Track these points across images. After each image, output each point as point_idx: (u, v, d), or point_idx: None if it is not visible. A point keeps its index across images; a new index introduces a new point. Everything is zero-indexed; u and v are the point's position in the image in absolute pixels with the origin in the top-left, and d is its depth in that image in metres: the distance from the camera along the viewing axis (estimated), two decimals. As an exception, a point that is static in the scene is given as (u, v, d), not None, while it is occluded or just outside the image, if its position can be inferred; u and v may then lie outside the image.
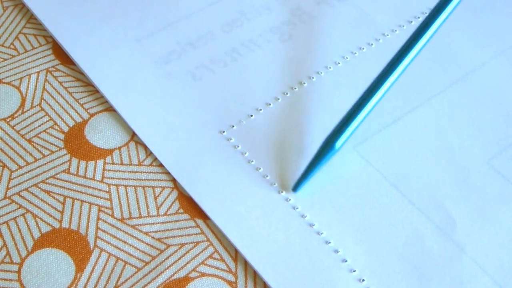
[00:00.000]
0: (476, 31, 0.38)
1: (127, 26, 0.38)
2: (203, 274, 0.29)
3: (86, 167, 0.32)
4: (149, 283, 0.29)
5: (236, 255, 0.30)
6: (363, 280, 0.29)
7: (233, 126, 0.34)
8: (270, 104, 0.34)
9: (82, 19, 0.38)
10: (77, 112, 0.35)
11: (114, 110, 0.34)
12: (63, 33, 0.37)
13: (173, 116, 0.34)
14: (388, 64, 0.32)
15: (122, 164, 0.33)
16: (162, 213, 0.31)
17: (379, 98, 0.31)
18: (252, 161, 0.32)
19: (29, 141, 0.33)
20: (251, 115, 0.34)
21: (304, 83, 0.35)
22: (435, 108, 0.34)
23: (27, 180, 0.32)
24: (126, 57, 0.36)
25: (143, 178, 0.32)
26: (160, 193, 0.32)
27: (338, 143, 0.31)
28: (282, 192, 0.31)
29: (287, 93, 0.35)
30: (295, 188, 0.31)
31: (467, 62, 0.36)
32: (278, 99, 0.35)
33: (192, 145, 0.33)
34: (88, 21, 0.38)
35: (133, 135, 0.34)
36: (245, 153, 0.33)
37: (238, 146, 0.33)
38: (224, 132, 0.33)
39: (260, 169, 0.32)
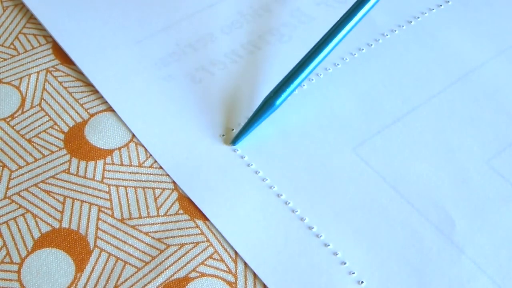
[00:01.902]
0: (476, 31, 0.38)
1: (126, 27, 0.38)
2: (203, 274, 0.29)
3: (86, 167, 0.32)
4: (149, 283, 0.29)
5: (235, 256, 0.30)
6: (362, 282, 0.29)
7: (232, 130, 0.34)
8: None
9: (82, 19, 0.38)
10: (77, 112, 0.35)
11: (114, 110, 0.34)
12: (62, 34, 0.37)
13: (173, 119, 0.34)
14: (332, 27, 0.34)
15: (122, 165, 0.33)
16: (162, 214, 0.31)
17: (320, 61, 0.33)
18: (252, 164, 0.32)
19: (29, 141, 0.33)
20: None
21: (304, 85, 0.35)
22: (434, 108, 0.34)
23: (27, 180, 0.32)
24: (126, 58, 0.36)
25: (143, 179, 0.32)
26: (160, 194, 0.32)
27: (279, 101, 0.33)
28: (281, 195, 0.31)
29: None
30: (234, 141, 0.33)
31: (467, 62, 0.36)
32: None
33: (192, 149, 0.33)
34: (88, 21, 0.38)
35: (133, 136, 0.34)
36: (245, 157, 0.33)
37: (237, 150, 0.33)
38: (224, 135, 0.33)
39: (259, 172, 0.32)
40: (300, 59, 0.33)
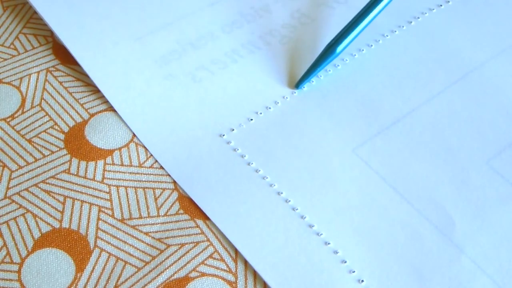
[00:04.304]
0: (476, 31, 0.38)
1: (127, 23, 0.38)
2: (203, 274, 0.29)
3: (86, 167, 0.32)
4: (149, 282, 0.29)
5: (236, 255, 0.30)
6: (362, 280, 0.29)
7: (233, 130, 0.34)
8: (270, 108, 0.34)
9: (83, 15, 0.38)
10: (77, 112, 0.35)
11: (114, 110, 0.34)
12: (63, 30, 0.37)
13: (173, 118, 0.34)
14: None
15: (122, 165, 0.33)
16: (162, 214, 0.31)
17: (379, 11, 0.36)
18: (252, 163, 0.32)
19: (29, 141, 0.33)
20: (251, 119, 0.34)
21: (304, 86, 0.35)
22: (434, 108, 0.34)
23: (27, 180, 0.32)
24: (127, 55, 0.36)
25: (144, 179, 0.32)
26: (161, 194, 0.32)
27: (339, 48, 0.35)
28: (282, 193, 0.31)
29: (286, 97, 0.35)
30: (298, 84, 0.35)
31: (467, 62, 0.36)
32: (278, 102, 0.35)
33: (192, 148, 0.33)
34: (89, 17, 0.38)
35: (133, 136, 0.34)
36: (245, 156, 0.33)
37: (237, 149, 0.33)
38: (224, 135, 0.33)
39: (259, 171, 0.32)
40: (359, 11, 0.36)
